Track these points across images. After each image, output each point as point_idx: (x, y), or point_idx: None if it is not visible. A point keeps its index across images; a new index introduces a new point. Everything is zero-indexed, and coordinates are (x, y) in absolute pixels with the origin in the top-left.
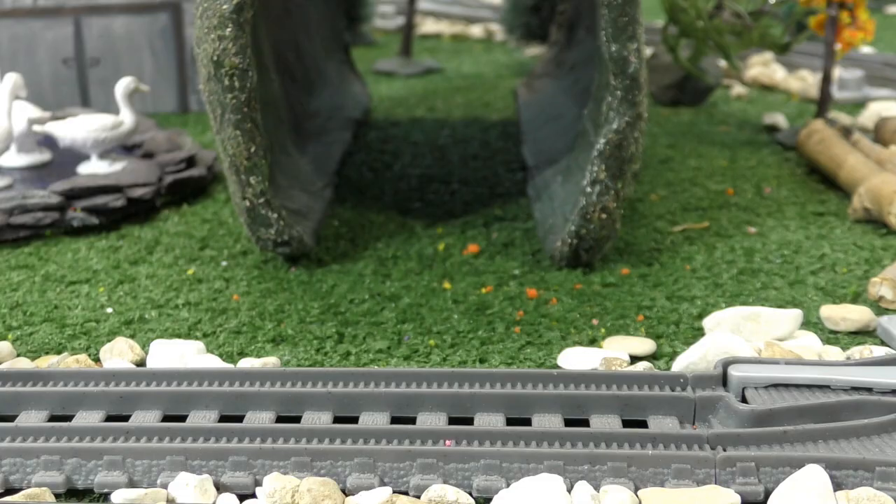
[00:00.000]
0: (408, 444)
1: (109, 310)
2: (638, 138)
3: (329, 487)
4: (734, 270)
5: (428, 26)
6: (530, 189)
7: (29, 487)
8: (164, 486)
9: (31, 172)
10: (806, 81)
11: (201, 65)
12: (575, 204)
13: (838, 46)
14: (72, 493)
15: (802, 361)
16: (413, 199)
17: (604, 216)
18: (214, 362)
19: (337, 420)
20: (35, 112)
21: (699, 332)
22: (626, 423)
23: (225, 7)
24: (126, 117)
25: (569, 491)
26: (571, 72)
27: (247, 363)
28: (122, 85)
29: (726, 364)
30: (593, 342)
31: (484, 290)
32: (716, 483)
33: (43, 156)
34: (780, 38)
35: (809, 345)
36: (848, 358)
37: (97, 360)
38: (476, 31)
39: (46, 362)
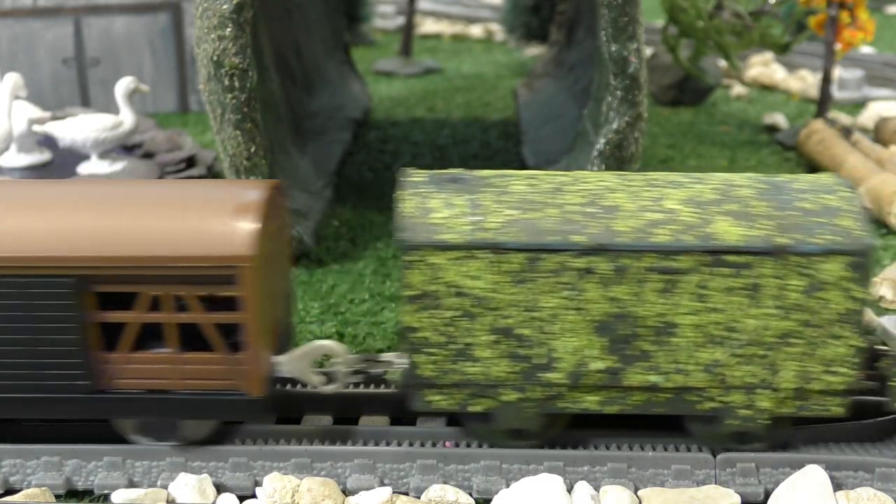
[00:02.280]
0: (407, 445)
1: None
2: (638, 138)
3: (329, 488)
4: None
5: (428, 26)
6: None
7: (29, 488)
8: (164, 487)
9: (31, 172)
10: (806, 81)
11: (201, 65)
12: None
13: (838, 46)
14: (72, 493)
15: None
16: None
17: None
18: None
19: (337, 421)
20: (35, 112)
21: None
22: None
23: (225, 7)
24: (126, 117)
25: (569, 491)
26: (571, 72)
27: None
28: (122, 85)
29: None
30: None
31: None
32: (716, 483)
33: (43, 156)
34: (780, 38)
35: None
36: None
37: None
38: (476, 31)
39: None
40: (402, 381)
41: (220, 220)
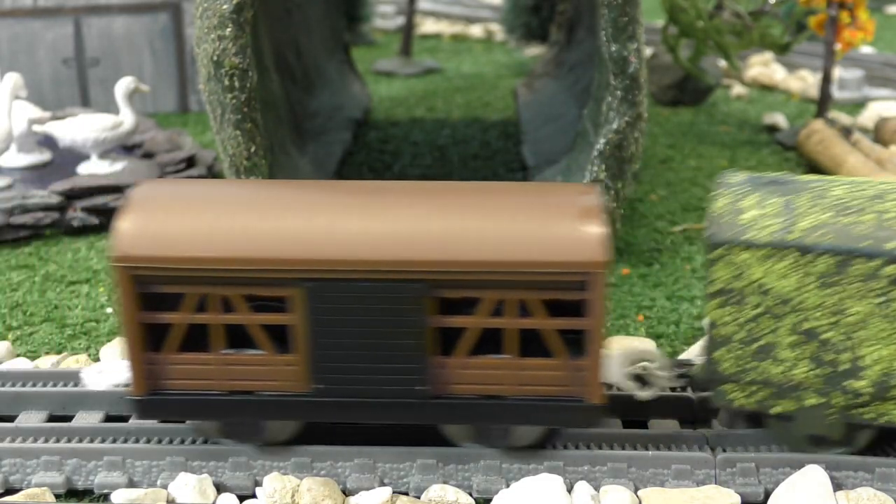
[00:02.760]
0: (408, 444)
1: (109, 310)
2: (638, 138)
3: (329, 487)
4: None
5: (428, 26)
6: None
7: (29, 488)
8: (164, 487)
9: (31, 172)
10: (806, 81)
11: (201, 65)
12: None
13: (838, 46)
14: (72, 493)
15: None
16: None
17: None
18: None
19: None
20: (35, 112)
21: (699, 332)
22: (626, 425)
23: (225, 7)
24: (126, 117)
25: (569, 491)
26: (571, 72)
27: None
28: (122, 85)
29: None
30: None
31: None
32: (716, 483)
33: (43, 156)
34: (780, 38)
35: None
36: None
37: (97, 360)
38: (476, 31)
39: (46, 362)
40: (702, 376)
41: (570, 224)
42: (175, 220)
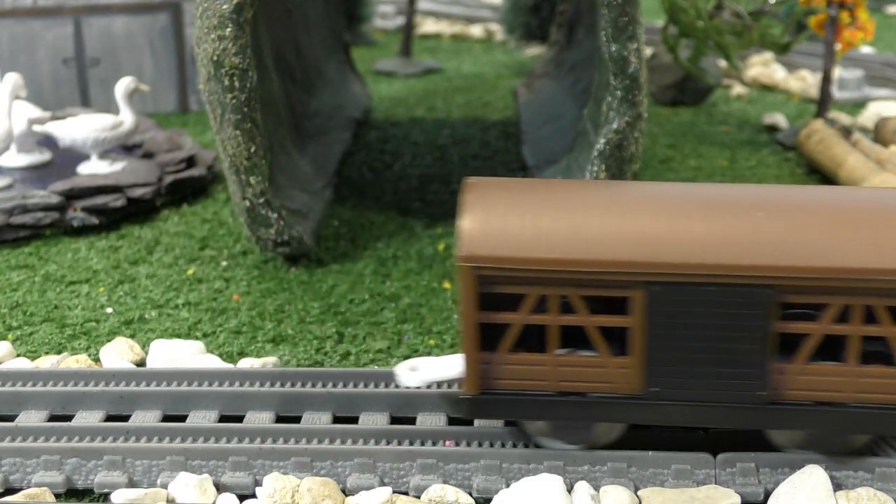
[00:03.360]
0: (408, 444)
1: (109, 310)
2: (638, 138)
3: (329, 487)
4: None
5: (428, 26)
6: None
7: (29, 487)
8: (164, 486)
9: (31, 172)
10: (806, 81)
11: (201, 65)
12: None
13: (838, 46)
14: (72, 493)
15: None
16: (413, 199)
17: None
18: (214, 362)
19: (337, 420)
20: (35, 112)
21: None
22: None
23: (225, 7)
24: (126, 117)
25: (569, 491)
26: (571, 72)
27: (247, 363)
28: (122, 85)
29: None
30: None
31: None
32: (716, 483)
33: (43, 156)
34: (780, 38)
35: None
36: None
37: (97, 360)
38: (476, 31)
39: (46, 362)
40: None
41: None
42: (518, 221)
